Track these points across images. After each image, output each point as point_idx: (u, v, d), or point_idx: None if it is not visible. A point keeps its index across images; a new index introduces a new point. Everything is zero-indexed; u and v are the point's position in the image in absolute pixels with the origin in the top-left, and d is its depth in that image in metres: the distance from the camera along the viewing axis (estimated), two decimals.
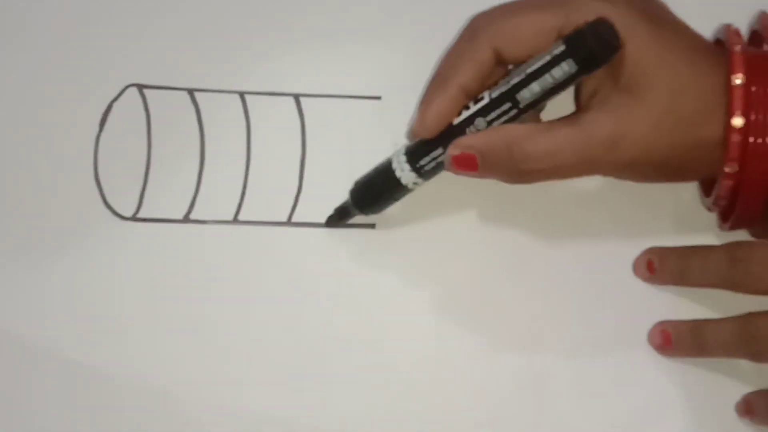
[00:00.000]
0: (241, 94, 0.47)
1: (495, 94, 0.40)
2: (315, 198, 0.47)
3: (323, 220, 0.46)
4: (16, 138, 0.47)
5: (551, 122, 0.41)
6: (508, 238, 0.47)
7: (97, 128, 0.47)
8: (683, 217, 0.47)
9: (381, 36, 0.48)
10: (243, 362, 0.45)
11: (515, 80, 0.39)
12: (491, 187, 0.46)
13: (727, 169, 0.40)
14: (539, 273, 0.47)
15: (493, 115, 0.40)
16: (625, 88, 0.39)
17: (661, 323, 0.46)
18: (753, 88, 0.40)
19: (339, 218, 0.46)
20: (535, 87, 0.39)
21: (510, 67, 0.41)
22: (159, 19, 0.48)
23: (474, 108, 0.41)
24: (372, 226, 0.47)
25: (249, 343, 0.45)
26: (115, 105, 0.47)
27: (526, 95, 0.39)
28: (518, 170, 0.40)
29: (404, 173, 0.42)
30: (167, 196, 0.47)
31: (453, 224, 0.46)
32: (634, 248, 0.47)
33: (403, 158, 0.42)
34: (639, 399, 0.46)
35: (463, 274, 0.46)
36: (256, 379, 0.45)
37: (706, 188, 0.44)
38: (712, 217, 0.45)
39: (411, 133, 0.42)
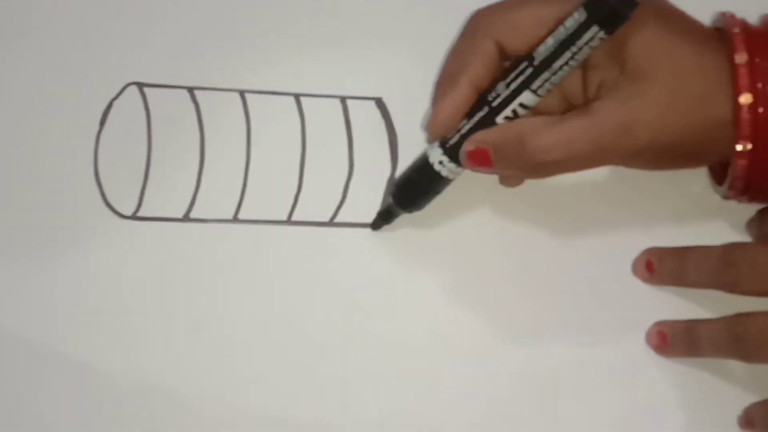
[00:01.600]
0: (242, 93, 0.47)
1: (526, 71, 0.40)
2: (315, 197, 0.47)
3: (323, 219, 0.46)
4: (16, 136, 0.47)
5: (562, 115, 0.41)
6: (507, 238, 0.47)
7: (97, 126, 0.47)
8: (683, 215, 0.47)
9: (382, 36, 0.48)
10: (243, 360, 0.45)
11: (543, 53, 0.39)
12: (491, 187, 0.46)
13: (739, 148, 0.40)
14: (538, 273, 0.47)
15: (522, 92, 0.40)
16: (632, 74, 0.40)
17: (658, 323, 0.46)
18: (756, 60, 0.40)
19: (384, 220, 0.46)
20: (565, 54, 0.39)
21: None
22: (159, 17, 0.48)
23: (507, 90, 0.41)
24: (372, 226, 0.47)
25: (249, 341, 0.45)
26: (116, 103, 0.47)
27: (557, 65, 0.39)
28: (532, 163, 0.40)
29: (444, 166, 0.42)
30: (167, 195, 0.46)
31: (452, 224, 0.46)
32: (634, 248, 0.47)
33: (439, 151, 0.42)
34: (638, 398, 0.46)
35: (463, 273, 0.46)
36: (256, 376, 0.45)
37: (718, 177, 0.44)
38: (713, 214, 0.45)
39: (428, 133, 0.43)
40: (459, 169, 0.43)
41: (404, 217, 0.46)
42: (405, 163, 0.47)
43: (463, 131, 0.42)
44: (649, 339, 0.46)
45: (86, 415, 0.45)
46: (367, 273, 0.46)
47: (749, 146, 0.40)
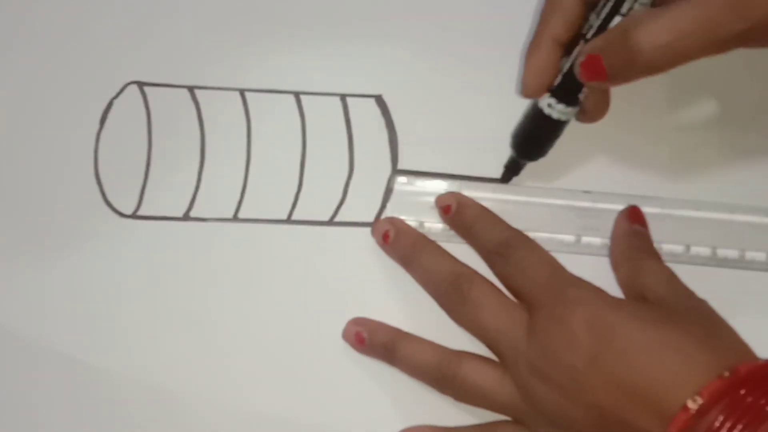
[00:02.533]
0: (242, 92, 0.47)
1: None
2: (315, 196, 0.46)
3: (323, 218, 0.46)
4: (16, 135, 0.47)
5: (664, 6, 0.39)
6: None
7: (97, 125, 0.47)
8: None
9: (381, 34, 0.48)
10: (242, 360, 0.45)
11: None
12: (489, 188, 0.46)
13: None
14: None
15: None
16: None
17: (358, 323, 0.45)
18: None
19: (513, 172, 0.46)
20: None
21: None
22: (159, 16, 0.48)
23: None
24: (372, 225, 0.46)
25: (248, 340, 0.45)
26: (116, 102, 0.47)
27: None
28: (643, 58, 0.38)
29: (553, 109, 0.42)
30: (167, 194, 0.46)
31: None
32: None
33: (547, 95, 0.43)
34: None
35: None
36: (255, 376, 0.45)
37: None
38: None
39: (523, 94, 0.43)
40: (569, 109, 0.43)
41: (406, 218, 0.46)
42: (405, 162, 0.47)
43: (564, 70, 0.42)
44: (346, 336, 0.45)
45: (86, 414, 0.45)
46: (368, 272, 0.46)
47: None
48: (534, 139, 0.44)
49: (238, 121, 0.47)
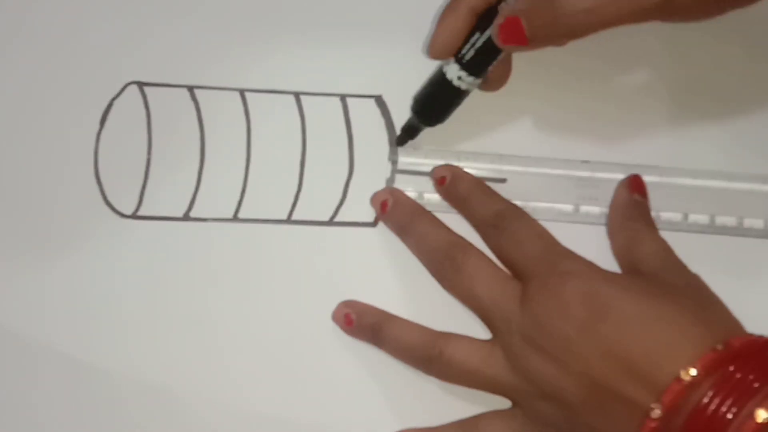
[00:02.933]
0: (242, 92, 0.47)
1: None
2: (315, 196, 0.47)
3: (323, 218, 0.46)
4: (16, 136, 0.47)
5: None
6: None
7: (97, 126, 0.47)
8: None
9: (381, 34, 0.48)
10: (242, 359, 0.45)
11: None
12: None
13: None
14: None
15: None
16: None
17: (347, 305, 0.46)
18: None
19: (409, 136, 0.46)
20: None
21: None
22: (159, 17, 0.48)
23: None
24: (372, 225, 0.46)
25: (249, 340, 0.45)
26: (116, 103, 0.47)
27: None
28: (565, 21, 0.39)
29: (462, 81, 0.43)
30: (167, 194, 0.46)
31: (452, 224, 0.46)
32: None
33: (456, 67, 0.43)
34: None
35: None
36: (256, 376, 0.45)
37: None
38: None
39: (429, 53, 0.43)
40: (477, 81, 0.43)
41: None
42: (406, 162, 0.47)
43: (478, 45, 0.42)
44: (336, 317, 0.46)
45: (86, 414, 0.45)
46: (367, 272, 0.46)
47: None
48: (437, 105, 0.45)
49: (238, 121, 0.47)
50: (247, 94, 0.47)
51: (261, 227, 0.46)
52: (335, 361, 0.45)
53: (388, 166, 0.47)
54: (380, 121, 0.47)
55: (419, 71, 0.46)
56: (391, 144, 0.47)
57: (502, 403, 0.44)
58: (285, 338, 0.45)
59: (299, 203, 0.47)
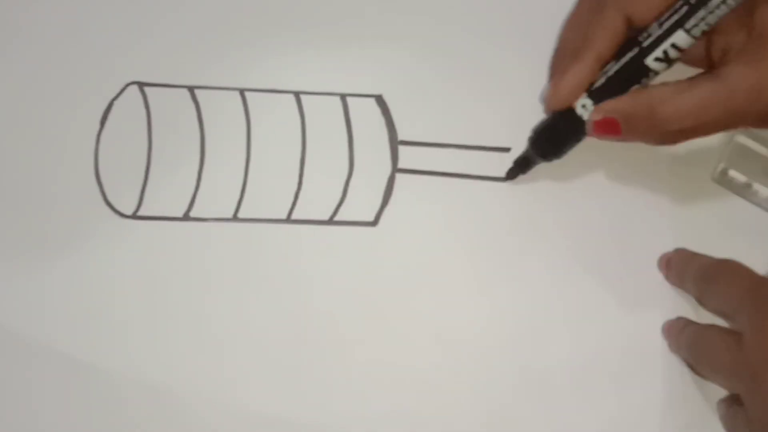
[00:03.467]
0: (242, 92, 0.47)
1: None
2: (315, 196, 0.46)
3: (323, 217, 0.46)
4: (16, 136, 0.47)
5: (690, 81, 0.40)
6: (507, 237, 0.47)
7: (97, 126, 0.47)
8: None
9: (382, 33, 0.48)
10: (242, 360, 0.45)
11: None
12: (491, 187, 0.46)
13: None
14: (539, 273, 0.46)
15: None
16: (760, 37, 0.39)
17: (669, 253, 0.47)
18: None
19: (521, 169, 0.45)
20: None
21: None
22: (159, 16, 0.48)
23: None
24: (372, 224, 0.46)
25: (248, 340, 0.45)
26: (116, 103, 0.47)
27: (714, 3, 0.39)
28: (662, 132, 0.40)
29: (586, 110, 0.42)
30: (167, 194, 0.46)
31: (452, 223, 0.46)
32: (635, 249, 0.47)
33: (588, 101, 0.42)
34: (639, 398, 0.45)
35: (463, 273, 0.46)
36: (255, 376, 0.45)
37: None
38: None
39: (545, 104, 0.43)
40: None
41: (407, 218, 0.46)
42: (405, 162, 0.47)
43: (610, 73, 0.41)
44: (660, 264, 0.47)
45: (86, 414, 0.45)
46: (367, 272, 0.46)
47: None
48: (558, 137, 0.43)
49: (238, 120, 0.47)
50: (247, 94, 0.47)
51: (261, 227, 0.46)
52: (335, 361, 0.45)
53: (388, 166, 0.47)
54: (380, 121, 0.47)
55: (420, 70, 0.46)
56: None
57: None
58: (285, 338, 0.45)
59: (299, 203, 0.47)
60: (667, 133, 0.40)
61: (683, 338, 0.45)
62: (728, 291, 0.42)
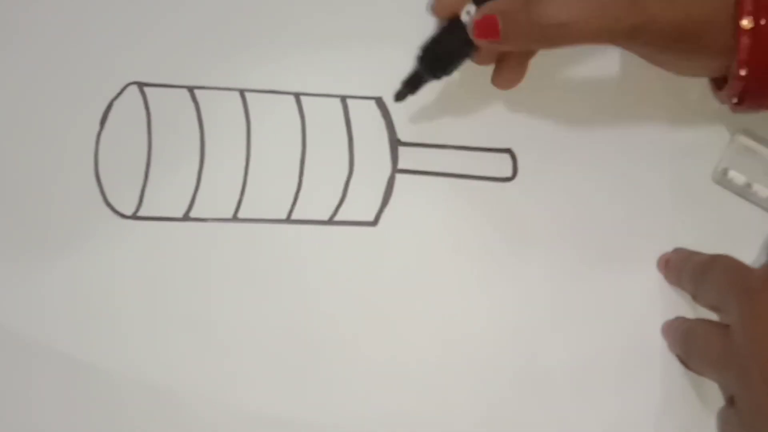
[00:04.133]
0: (242, 92, 0.47)
1: None
2: (315, 196, 0.47)
3: (323, 217, 0.46)
4: (16, 136, 0.47)
5: None
6: (507, 237, 0.47)
7: (97, 126, 0.47)
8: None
9: (382, 35, 0.48)
10: (242, 360, 0.45)
11: None
12: (490, 187, 0.46)
13: (744, 23, 0.39)
14: (539, 273, 0.46)
15: None
16: None
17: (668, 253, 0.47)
18: None
19: (412, 87, 0.44)
20: None
21: None
22: (159, 17, 0.48)
23: None
24: (372, 224, 0.46)
25: (248, 340, 0.45)
26: (116, 103, 0.47)
27: None
28: (538, 30, 0.40)
29: (470, 15, 0.42)
30: (167, 195, 0.46)
31: (453, 224, 0.46)
32: (635, 249, 0.47)
33: (473, 7, 0.42)
34: (639, 399, 0.45)
35: (463, 273, 0.46)
36: (255, 376, 0.45)
37: (718, 84, 0.43)
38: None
39: (432, 11, 0.43)
40: None
41: (407, 218, 0.46)
42: (406, 162, 0.47)
43: None
44: (659, 264, 0.47)
45: (86, 414, 0.45)
46: (367, 272, 0.46)
47: (752, 24, 0.39)
48: (445, 50, 0.43)
49: (238, 121, 0.47)
50: (248, 95, 0.47)
51: (261, 227, 0.46)
52: (335, 361, 0.45)
53: (388, 167, 0.47)
54: (381, 123, 0.47)
55: None
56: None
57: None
58: (284, 338, 0.45)
59: (299, 203, 0.47)
60: (545, 29, 0.39)
61: (676, 334, 0.45)
62: (718, 283, 0.42)
